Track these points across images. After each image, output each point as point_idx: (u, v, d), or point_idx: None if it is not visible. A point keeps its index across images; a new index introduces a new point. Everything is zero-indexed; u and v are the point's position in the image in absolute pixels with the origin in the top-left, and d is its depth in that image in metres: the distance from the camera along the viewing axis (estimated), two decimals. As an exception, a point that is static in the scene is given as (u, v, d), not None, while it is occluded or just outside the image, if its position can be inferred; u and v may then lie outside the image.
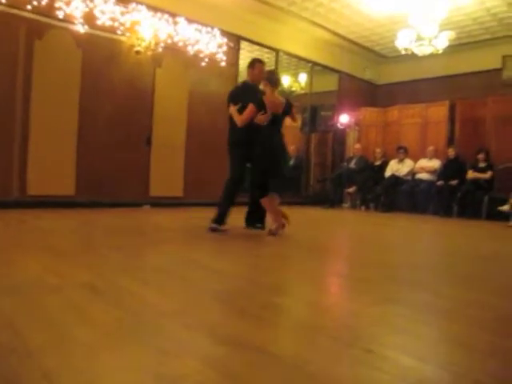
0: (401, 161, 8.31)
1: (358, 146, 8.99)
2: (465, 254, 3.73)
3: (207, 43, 6.84)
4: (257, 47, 7.99)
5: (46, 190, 5.44)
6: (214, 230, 3.93)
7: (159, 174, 6.49)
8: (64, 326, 1.44)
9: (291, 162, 7.51)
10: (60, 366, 1.14)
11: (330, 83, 9.47)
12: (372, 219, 6.87)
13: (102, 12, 5.71)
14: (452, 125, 8.28)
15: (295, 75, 10.24)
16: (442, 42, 6.75)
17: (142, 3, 6.05)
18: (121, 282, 2.08)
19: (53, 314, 1.55)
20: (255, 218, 4.24)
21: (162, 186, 6.52)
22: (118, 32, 5.91)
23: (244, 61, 7.36)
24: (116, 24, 5.86)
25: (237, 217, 4.17)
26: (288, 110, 3.95)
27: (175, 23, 6.44)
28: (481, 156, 7.36)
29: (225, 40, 7.06)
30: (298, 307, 1.86)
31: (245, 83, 4.28)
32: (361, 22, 8.05)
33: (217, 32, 6.93)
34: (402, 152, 8.29)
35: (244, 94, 4.06)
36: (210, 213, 4.03)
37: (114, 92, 6.01)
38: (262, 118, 3.81)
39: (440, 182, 7.54)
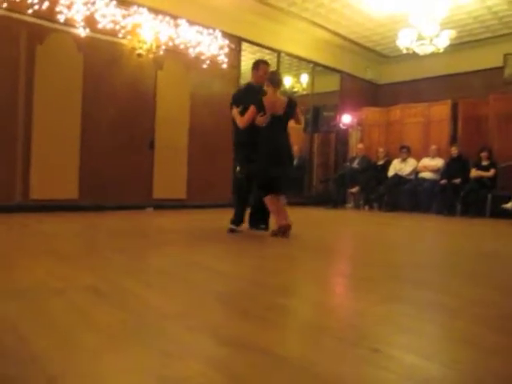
0: (404, 160, 8.29)
1: (360, 145, 8.98)
2: (469, 252, 3.71)
3: (208, 45, 6.85)
4: (258, 48, 8.00)
5: (49, 193, 5.45)
6: (231, 231, 4.01)
7: (162, 177, 6.49)
8: (68, 328, 1.44)
9: (294, 163, 7.50)
10: (64, 369, 1.13)
11: (331, 84, 9.47)
12: (375, 219, 6.85)
13: (103, 15, 5.73)
14: (454, 123, 8.26)
15: (297, 76, 10.25)
16: (443, 41, 6.74)
17: (143, 6, 6.07)
18: (124, 284, 2.08)
19: (57, 317, 1.55)
20: (259, 219, 4.24)
21: (165, 188, 6.53)
22: (120, 35, 5.93)
23: (245, 62, 7.38)
24: (117, 27, 5.88)
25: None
26: (290, 109, 3.91)
27: (176, 25, 6.45)
28: (484, 154, 7.34)
29: (226, 42, 7.08)
30: (302, 308, 1.85)
31: (248, 85, 4.26)
32: (362, 22, 8.04)
33: (218, 34, 6.94)
34: (405, 151, 8.27)
35: (246, 96, 4.05)
36: (213, 215, 4.04)
37: (116, 95, 6.03)
38: (260, 120, 3.80)
39: (443, 181, 7.51)
